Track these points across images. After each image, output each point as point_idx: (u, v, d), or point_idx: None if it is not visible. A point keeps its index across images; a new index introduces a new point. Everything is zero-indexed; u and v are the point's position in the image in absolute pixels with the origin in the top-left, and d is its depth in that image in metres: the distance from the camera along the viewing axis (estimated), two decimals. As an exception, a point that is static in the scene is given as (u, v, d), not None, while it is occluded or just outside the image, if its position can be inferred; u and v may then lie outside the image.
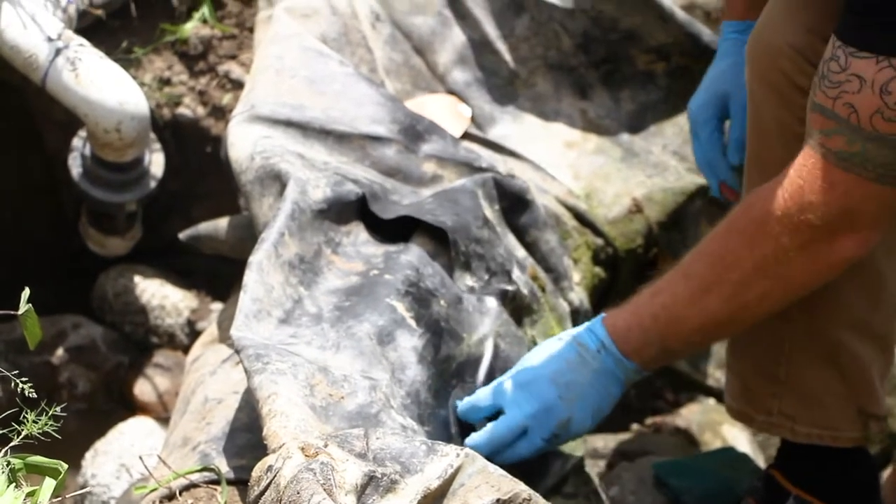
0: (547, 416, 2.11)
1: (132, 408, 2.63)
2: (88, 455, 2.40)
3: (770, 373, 2.22)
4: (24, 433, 1.76)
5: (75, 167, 2.61)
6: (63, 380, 2.64)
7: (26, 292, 1.91)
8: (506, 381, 2.13)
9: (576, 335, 2.14)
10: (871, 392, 2.21)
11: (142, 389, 2.66)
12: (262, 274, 2.10)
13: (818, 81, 1.92)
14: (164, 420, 2.53)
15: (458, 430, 2.05)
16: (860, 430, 2.23)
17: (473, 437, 2.10)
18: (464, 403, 2.14)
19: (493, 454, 2.06)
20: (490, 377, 2.13)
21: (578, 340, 2.13)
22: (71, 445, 1.86)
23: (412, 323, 2.08)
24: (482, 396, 2.13)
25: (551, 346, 2.17)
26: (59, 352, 2.64)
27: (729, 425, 2.78)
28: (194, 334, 2.70)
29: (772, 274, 2.05)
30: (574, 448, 2.19)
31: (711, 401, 2.85)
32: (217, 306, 2.72)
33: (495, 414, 2.10)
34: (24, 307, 1.90)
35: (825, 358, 2.18)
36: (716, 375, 2.87)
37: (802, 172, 1.98)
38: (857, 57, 1.85)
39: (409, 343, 2.06)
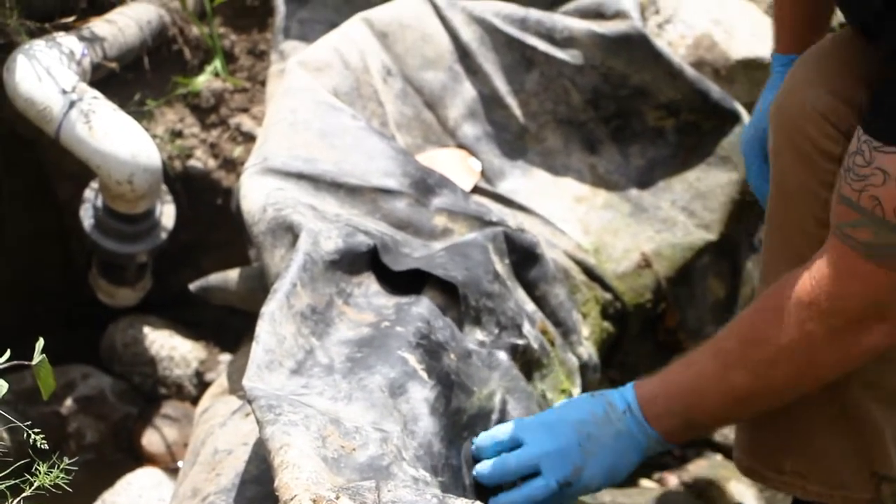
0: (562, 458, 2.09)
1: (140, 458, 2.63)
2: None
3: (781, 430, 2.20)
4: (35, 485, 1.75)
5: (87, 218, 2.61)
6: (72, 430, 2.63)
7: (40, 343, 1.90)
8: (530, 419, 2.12)
9: (606, 393, 2.14)
10: (884, 453, 2.18)
11: (150, 440, 2.65)
12: (274, 325, 2.09)
13: (844, 174, 1.93)
14: (172, 471, 2.53)
15: (472, 481, 2.03)
16: (872, 491, 2.20)
17: (483, 465, 2.09)
18: (482, 436, 2.12)
19: (501, 480, 2.08)
20: (505, 429, 2.12)
21: (608, 399, 2.13)
22: (79, 496, 1.84)
23: (424, 375, 2.07)
24: (503, 429, 2.11)
25: (582, 400, 2.16)
26: (68, 402, 2.64)
27: (736, 481, 2.77)
28: (203, 385, 2.71)
29: (798, 358, 2.04)
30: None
31: (719, 457, 2.84)
32: (225, 357, 2.72)
33: (510, 449, 2.09)
34: (38, 357, 1.89)
35: (837, 417, 2.16)
36: (723, 431, 2.85)
37: (830, 262, 1.98)
38: (881, 151, 1.85)
39: (421, 395, 2.04)
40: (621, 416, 2.13)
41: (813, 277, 1.99)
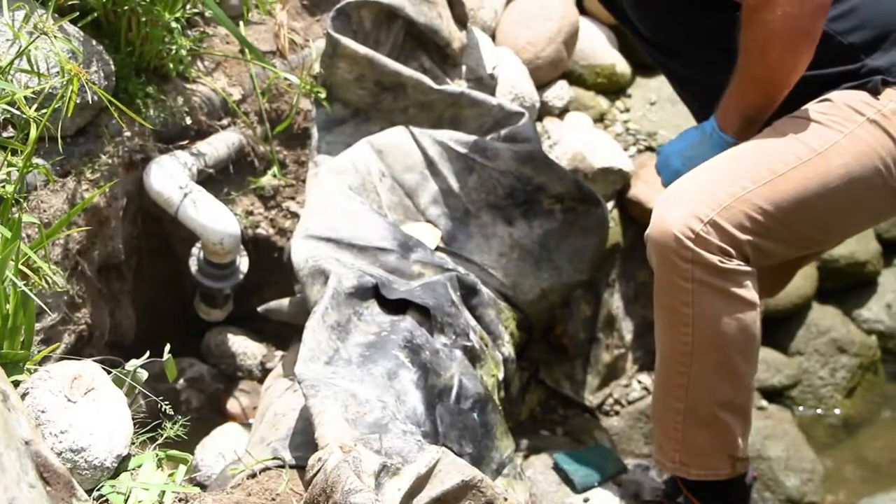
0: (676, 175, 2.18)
1: (226, 417, 2.57)
2: (198, 448, 2.34)
3: (673, 437, 2.16)
4: (164, 435, 1.72)
5: (193, 266, 2.58)
6: (183, 399, 2.59)
7: (167, 346, 1.87)
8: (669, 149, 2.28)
9: (703, 125, 2.21)
10: (736, 443, 2.16)
11: (232, 405, 2.62)
12: (314, 333, 2.09)
13: None
14: (246, 425, 2.51)
15: (444, 430, 1.99)
16: (730, 468, 2.17)
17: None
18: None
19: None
20: (458, 400, 2.08)
21: (703, 128, 2.20)
22: (188, 442, 1.81)
23: (409, 365, 2.06)
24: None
25: (688, 132, 2.25)
26: (181, 381, 2.59)
27: (596, 431, 2.74)
28: (265, 371, 2.68)
29: (767, 46, 2.02)
30: (508, 446, 2.14)
31: (587, 415, 2.80)
32: (279, 353, 2.69)
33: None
34: (166, 355, 1.85)
35: (706, 426, 2.13)
36: (589, 398, 2.83)
37: None
38: None
39: (408, 377, 2.03)
40: (711, 135, 2.16)
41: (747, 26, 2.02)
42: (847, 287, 3.32)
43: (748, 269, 2.02)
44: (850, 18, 2.09)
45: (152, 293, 2.69)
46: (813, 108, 2.09)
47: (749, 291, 2.03)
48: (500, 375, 2.33)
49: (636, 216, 2.91)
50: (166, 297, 2.73)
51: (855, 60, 2.10)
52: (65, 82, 1.95)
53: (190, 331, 2.72)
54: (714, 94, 2.16)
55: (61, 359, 1.84)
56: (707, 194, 2.00)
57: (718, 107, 2.16)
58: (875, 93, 2.07)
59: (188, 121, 2.56)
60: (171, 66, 2.56)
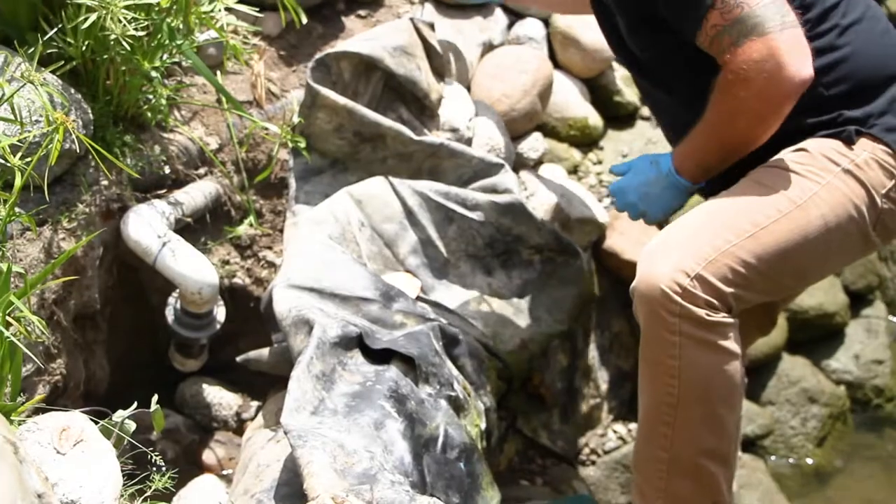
0: (632, 209, 2.32)
1: (202, 469, 2.54)
2: (175, 500, 2.31)
3: (656, 486, 2.16)
4: (153, 488, 1.71)
5: (170, 315, 2.57)
6: (158, 450, 2.52)
7: (155, 397, 1.86)
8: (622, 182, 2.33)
9: (659, 160, 2.26)
10: (720, 491, 2.16)
11: (208, 457, 2.60)
12: (299, 383, 2.09)
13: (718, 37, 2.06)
14: (222, 477, 2.48)
15: (431, 480, 1.99)
16: None
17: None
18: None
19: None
20: (444, 449, 2.08)
21: (659, 166, 2.25)
22: (165, 494, 1.79)
23: (395, 415, 2.06)
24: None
25: (644, 166, 2.30)
26: (154, 433, 2.54)
27: (575, 481, 2.74)
28: (240, 421, 2.66)
29: (735, 117, 2.10)
30: (494, 496, 2.14)
31: (565, 465, 2.80)
32: (254, 404, 2.67)
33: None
34: (154, 406, 1.83)
35: (689, 474, 2.13)
36: (566, 448, 2.83)
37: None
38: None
39: (395, 428, 2.03)
40: (667, 176, 2.21)
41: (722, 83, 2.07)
42: (816, 338, 3.36)
43: (732, 320, 2.04)
44: (835, 72, 2.14)
45: (126, 343, 2.66)
46: (790, 157, 2.13)
47: (733, 343, 2.05)
48: (483, 425, 2.32)
49: (611, 267, 2.93)
50: (140, 346, 2.70)
51: (832, 111, 2.15)
52: (50, 131, 1.94)
53: (163, 381, 2.69)
54: (687, 130, 2.21)
55: (38, 410, 1.82)
56: (693, 248, 2.02)
57: (677, 150, 2.23)
58: (849, 143, 2.12)
59: (166, 170, 2.56)
60: (149, 114, 2.55)
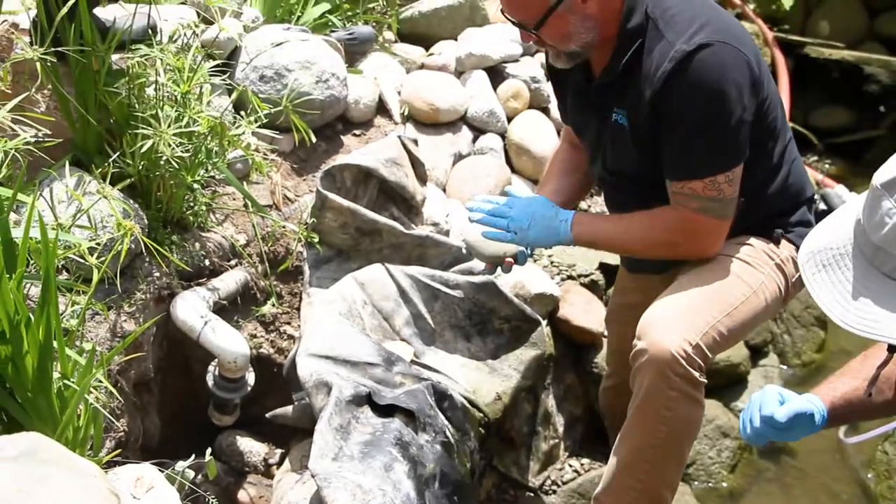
0: (516, 223, 2.24)
1: (237, 507, 2.51)
2: (218, 533, 2.28)
3: None
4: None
5: (210, 380, 2.56)
6: (202, 491, 2.51)
7: (209, 450, 1.86)
8: (516, 202, 2.27)
9: (560, 211, 2.23)
10: None
11: (242, 496, 2.57)
12: (322, 434, 2.09)
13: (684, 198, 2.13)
14: (255, 514, 2.43)
15: None
16: None
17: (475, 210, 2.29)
18: (481, 198, 2.32)
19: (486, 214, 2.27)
20: (442, 486, 2.09)
21: (559, 214, 2.23)
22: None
23: (401, 459, 2.07)
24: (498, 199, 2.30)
25: (544, 207, 2.25)
26: (198, 477, 2.51)
27: (541, 507, 2.75)
28: (267, 466, 2.63)
29: (663, 248, 2.19)
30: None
31: (531, 494, 2.80)
32: (278, 451, 2.64)
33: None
34: (208, 458, 1.84)
35: (653, 501, 2.18)
36: (532, 481, 2.83)
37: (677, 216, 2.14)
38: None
39: (401, 469, 2.03)
40: (560, 223, 2.19)
41: (670, 222, 2.14)
42: (725, 384, 3.40)
43: (705, 379, 2.10)
44: (782, 192, 2.26)
45: (174, 404, 2.64)
46: (744, 251, 2.25)
47: (702, 396, 2.12)
48: (469, 465, 2.33)
49: (564, 331, 2.96)
50: (185, 406, 2.69)
51: (767, 217, 2.26)
52: (120, 235, 1.97)
53: (204, 435, 2.68)
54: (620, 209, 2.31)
55: (113, 463, 1.82)
56: (691, 323, 2.07)
57: (584, 216, 2.27)
58: (777, 242, 2.25)
59: (205, 262, 2.57)
60: (192, 218, 2.58)
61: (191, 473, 1.80)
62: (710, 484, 3.16)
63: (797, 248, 2.28)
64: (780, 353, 3.71)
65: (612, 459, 2.19)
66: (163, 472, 1.73)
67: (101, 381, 1.76)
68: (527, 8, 2.06)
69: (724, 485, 3.18)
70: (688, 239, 2.16)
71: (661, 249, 2.20)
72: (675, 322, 2.06)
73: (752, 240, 2.25)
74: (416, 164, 2.87)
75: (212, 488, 2.55)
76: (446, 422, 2.31)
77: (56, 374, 1.67)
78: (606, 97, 2.18)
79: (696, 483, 3.15)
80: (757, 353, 3.55)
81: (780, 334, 3.76)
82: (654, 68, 2.04)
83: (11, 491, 1.04)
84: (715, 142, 2.04)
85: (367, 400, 2.23)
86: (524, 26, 2.10)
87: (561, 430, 2.97)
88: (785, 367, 3.73)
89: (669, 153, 2.11)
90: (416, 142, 2.94)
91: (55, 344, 1.60)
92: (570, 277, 3.08)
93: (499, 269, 2.32)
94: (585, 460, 2.96)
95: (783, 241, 2.27)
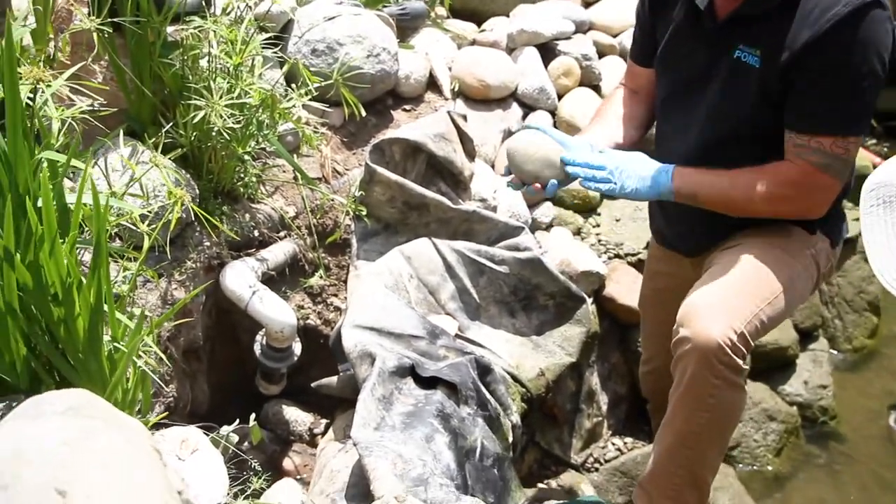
0: (614, 176, 2.15)
1: (282, 474, 2.55)
2: (262, 498, 2.30)
3: (667, 494, 2.19)
4: (252, 487, 1.73)
5: (257, 349, 2.59)
6: (248, 458, 2.55)
7: (253, 416, 1.88)
8: (613, 156, 2.18)
9: (664, 167, 2.15)
10: (709, 494, 2.20)
11: (286, 464, 2.60)
12: (365, 404, 2.10)
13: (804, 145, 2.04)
14: (299, 480, 2.47)
15: (472, 483, 2.01)
16: None
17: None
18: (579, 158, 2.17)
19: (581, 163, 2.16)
20: (482, 458, 2.10)
21: (664, 167, 2.15)
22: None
23: (442, 430, 2.08)
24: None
25: (647, 161, 2.18)
26: (245, 444, 2.55)
27: (584, 485, 2.74)
28: (312, 435, 2.67)
29: (766, 203, 2.10)
30: (521, 497, 2.15)
31: (573, 471, 2.80)
32: (323, 421, 2.68)
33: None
34: (252, 423, 1.86)
35: (697, 486, 2.18)
36: (575, 458, 2.83)
37: (794, 170, 2.05)
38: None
39: (442, 441, 2.04)
40: (661, 173, 2.15)
41: (784, 175, 2.05)
42: (773, 367, 3.37)
43: (748, 366, 2.09)
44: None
45: (222, 372, 2.69)
46: (782, 239, 2.21)
47: (745, 381, 2.11)
48: (511, 438, 2.34)
49: (609, 310, 2.95)
50: (233, 374, 2.73)
51: None
52: (171, 204, 2.00)
53: (251, 402, 2.72)
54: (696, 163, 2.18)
55: (161, 425, 1.86)
56: (735, 311, 2.04)
57: (686, 170, 2.15)
58: (812, 233, 2.23)
59: (255, 233, 2.61)
60: (242, 189, 2.61)
61: (235, 438, 1.83)
62: (754, 467, 3.14)
63: (831, 241, 2.27)
64: (830, 337, 3.66)
65: (656, 447, 2.17)
66: (208, 435, 1.76)
67: (149, 346, 1.79)
68: None
69: (770, 468, 3.16)
70: (801, 194, 2.06)
71: (767, 205, 2.09)
72: (719, 310, 2.03)
73: (791, 228, 2.21)
74: (465, 140, 2.87)
75: (257, 455, 2.59)
76: (489, 395, 2.32)
77: (107, 337, 1.71)
78: (732, 34, 2.08)
79: (740, 466, 3.13)
80: (806, 336, 3.51)
81: (830, 319, 3.71)
82: (822, 10, 1.93)
83: (58, 443, 1.07)
84: (862, 102, 1.97)
85: (410, 371, 2.24)
86: None
87: (605, 408, 2.96)
88: (835, 351, 3.68)
89: (807, 102, 2.00)
90: (465, 117, 2.94)
91: (105, 307, 1.63)
92: (618, 256, 3.06)
93: (525, 187, 2.21)
94: (629, 439, 2.96)
95: (818, 232, 2.23)
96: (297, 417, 2.68)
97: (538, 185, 2.18)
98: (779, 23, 1.98)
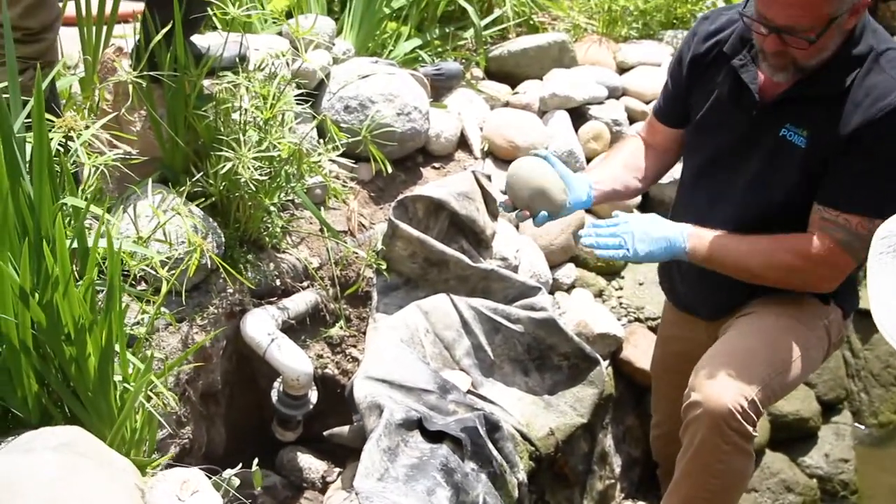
0: (631, 243, 2.13)
1: (294, 519, 2.56)
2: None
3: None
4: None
5: (274, 396, 2.62)
6: (259, 502, 2.57)
7: (256, 460, 1.91)
8: (632, 223, 2.16)
9: (683, 227, 2.16)
10: None
11: (298, 510, 2.59)
12: (370, 454, 2.12)
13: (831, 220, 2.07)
14: (311, 526, 2.47)
15: None
16: None
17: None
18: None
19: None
20: (484, 515, 2.11)
21: (680, 229, 2.16)
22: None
23: (445, 484, 2.09)
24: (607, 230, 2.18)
25: (666, 225, 2.18)
26: (258, 489, 2.58)
27: None
28: (325, 483, 2.67)
29: (771, 274, 2.13)
30: None
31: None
32: (337, 469, 2.68)
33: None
34: (255, 467, 1.89)
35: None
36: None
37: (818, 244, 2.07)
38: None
39: (444, 495, 2.06)
40: (676, 234, 2.15)
41: (804, 248, 2.06)
42: (794, 438, 3.33)
43: (757, 433, 2.09)
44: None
45: (239, 416, 2.71)
46: (795, 308, 2.21)
47: (753, 448, 2.11)
48: (516, 495, 2.34)
49: (626, 373, 2.96)
50: (250, 420, 2.76)
51: None
52: (191, 251, 2.06)
53: (267, 448, 2.74)
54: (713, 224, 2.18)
55: (169, 466, 1.90)
56: (748, 379, 2.05)
57: (700, 231, 2.16)
58: (826, 303, 2.24)
59: (277, 282, 2.65)
60: (267, 239, 2.67)
61: (236, 481, 1.86)
62: (770, 539, 3.10)
63: (843, 311, 2.28)
64: (855, 411, 3.61)
65: None
66: (210, 478, 1.79)
67: (159, 387, 1.84)
68: (814, 15, 1.93)
69: (786, 541, 3.11)
70: (815, 267, 2.08)
71: (780, 273, 2.11)
72: (731, 376, 2.03)
73: (806, 297, 2.22)
74: (489, 200, 2.90)
75: (269, 500, 2.62)
76: (495, 452, 2.32)
77: (118, 378, 1.76)
78: (780, 113, 2.11)
79: (756, 536, 3.09)
80: (829, 409, 3.47)
81: (856, 392, 3.66)
82: (873, 99, 1.99)
83: (47, 478, 1.11)
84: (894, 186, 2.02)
85: (417, 425, 2.26)
86: (794, 31, 1.95)
87: (618, 470, 2.95)
88: (860, 425, 3.62)
89: (847, 181, 2.04)
90: (489, 177, 2.98)
91: (117, 348, 1.68)
92: (638, 320, 3.07)
93: (516, 212, 2.22)
94: (641, 503, 2.94)
95: (832, 303, 2.24)
96: (310, 465, 2.70)
97: (526, 213, 2.20)
98: (828, 106, 2.03)
